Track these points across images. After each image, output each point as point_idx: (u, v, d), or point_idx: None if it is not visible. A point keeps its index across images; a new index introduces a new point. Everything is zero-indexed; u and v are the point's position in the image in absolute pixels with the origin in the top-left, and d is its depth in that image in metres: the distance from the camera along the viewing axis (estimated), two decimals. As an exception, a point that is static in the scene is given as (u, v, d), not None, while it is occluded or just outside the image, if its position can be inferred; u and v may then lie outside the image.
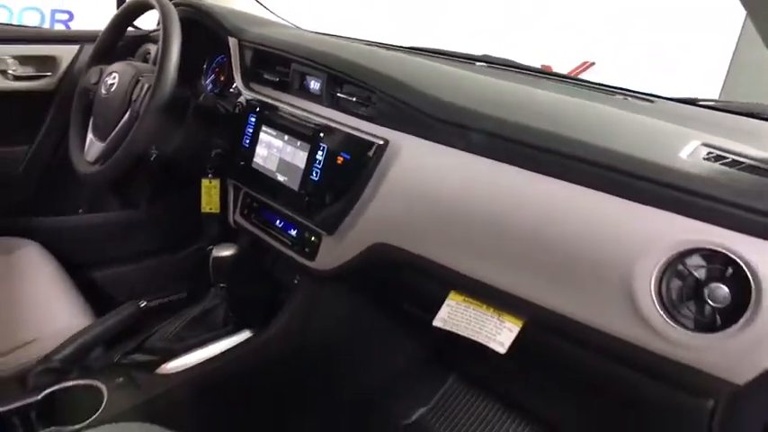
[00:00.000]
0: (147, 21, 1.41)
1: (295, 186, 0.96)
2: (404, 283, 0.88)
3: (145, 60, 1.46)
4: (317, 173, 0.92)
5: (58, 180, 1.52)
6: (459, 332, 0.71)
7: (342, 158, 0.88)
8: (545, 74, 1.21)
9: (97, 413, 0.88)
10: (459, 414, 1.24)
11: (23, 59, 1.43)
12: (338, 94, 0.96)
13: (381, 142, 0.83)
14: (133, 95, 1.10)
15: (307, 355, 1.06)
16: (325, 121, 0.94)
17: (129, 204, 1.66)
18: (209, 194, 1.20)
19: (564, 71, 3.23)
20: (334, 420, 1.14)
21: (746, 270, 0.52)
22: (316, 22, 1.60)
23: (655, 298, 0.57)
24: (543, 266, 0.65)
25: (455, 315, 0.73)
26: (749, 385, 0.52)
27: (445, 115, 0.78)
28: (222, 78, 1.31)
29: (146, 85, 1.09)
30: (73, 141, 1.25)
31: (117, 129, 1.11)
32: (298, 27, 1.53)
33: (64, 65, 1.47)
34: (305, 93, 1.03)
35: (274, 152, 1.01)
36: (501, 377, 1.16)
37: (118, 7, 1.46)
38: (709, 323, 0.54)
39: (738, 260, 0.53)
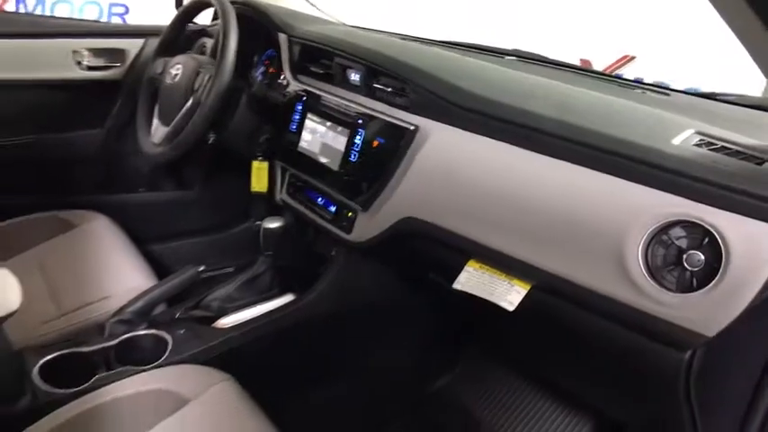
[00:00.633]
0: (203, 17, 1.55)
1: (335, 167, 1.07)
2: (428, 254, 0.98)
3: (202, 53, 1.59)
4: (354, 155, 1.03)
5: (124, 161, 1.68)
6: (475, 293, 0.81)
7: (377, 142, 0.99)
8: (570, 67, 1.29)
9: (163, 357, 1.02)
10: (479, 382, 1.34)
11: (96, 52, 1.58)
12: (375, 85, 1.06)
13: (412, 128, 0.93)
14: (195, 85, 1.23)
15: (341, 318, 1.19)
16: (363, 110, 1.05)
17: (184, 185, 1.81)
18: (259, 175, 1.32)
19: (603, 65, 3.25)
20: (362, 380, 1.27)
21: (719, 239, 0.61)
22: (359, 18, 1.71)
23: (642, 264, 0.66)
24: (548, 237, 0.75)
25: (472, 279, 0.83)
26: (717, 337, 0.61)
27: (468, 104, 0.88)
28: (272, 70, 1.42)
29: (206, 76, 1.22)
30: (140, 125, 1.40)
31: (180, 114, 1.24)
32: (343, 23, 1.64)
33: (131, 56, 1.61)
34: (346, 84, 1.13)
35: (318, 137, 1.12)
36: (516, 346, 1.26)
37: (177, 4, 1.61)
38: (687, 285, 0.63)
39: (713, 231, 0.61)
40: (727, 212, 0.61)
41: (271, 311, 1.14)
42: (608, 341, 0.75)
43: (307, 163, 1.15)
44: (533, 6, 3.48)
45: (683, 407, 0.73)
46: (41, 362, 0.98)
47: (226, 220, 1.82)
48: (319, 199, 1.17)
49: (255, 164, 1.31)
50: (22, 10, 3.66)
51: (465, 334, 1.41)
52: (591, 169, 0.71)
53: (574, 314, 0.76)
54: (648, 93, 1.08)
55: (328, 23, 1.51)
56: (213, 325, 1.12)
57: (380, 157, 0.98)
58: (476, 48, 1.42)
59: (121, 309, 1.10)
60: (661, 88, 1.11)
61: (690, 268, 0.63)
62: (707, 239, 0.62)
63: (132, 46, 1.62)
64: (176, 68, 1.29)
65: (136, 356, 1.03)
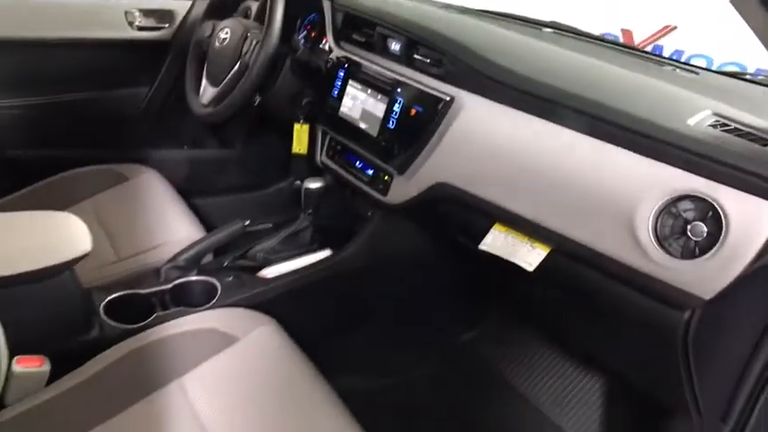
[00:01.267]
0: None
1: (374, 133, 1.14)
2: (457, 216, 1.06)
3: (245, 15, 1.66)
4: (393, 122, 1.11)
5: (171, 118, 1.77)
6: (499, 254, 0.89)
7: (414, 111, 1.06)
8: (604, 41, 1.32)
9: (213, 301, 1.13)
10: (499, 339, 1.44)
11: (147, 12, 1.65)
12: (414, 56, 1.11)
13: (448, 99, 1.00)
14: (243, 49, 1.30)
15: (375, 273, 1.29)
16: (402, 78, 1.11)
17: (226, 144, 1.90)
18: (300, 137, 1.39)
19: (644, 36, 3.20)
20: (391, 329, 1.38)
21: (721, 213, 0.67)
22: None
23: (651, 232, 0.73)
24: (568, 205, 0.82)
25: (497, 241, 0.91)
26: (713, 300, 0.69)
27: (500, 77, 0.93)
28: (314, 35, 1.46)
29: (254, 41, 1.29)
30: (189, 86, 1.48)
31: (228, 77, 1.32)
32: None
33: (179, 18, 1.69)
34: (386, 53, 1.19)
35: (358, 103, 1.20)
36: (533, 308, 1.35)
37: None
38: (690, 253, 0.70)
39: (716, 205, 0.68)
40: (730, 189, 0.67)
41: (310, 264, 1.25)
42: (617, 301, 0.83)
43: (347, 128, 1.22)
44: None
45: (681, 363, 0.81)
46: (106, 300, 1.10)
47: (264, 179, 1.91)
48: (357, 162, 1.25)
49: (297, 126, 1.39)
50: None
51: (487, 295, 1.51)
52: (611, 144, 0.78)
53: (587, 276, 0.84)
54: (678, 71, 1.11)
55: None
56: (258, 274, 1.22)
57: (417, 125, 1.05)
58: (515, 18, 1.46)
59: (175, 256, 1.22)
60: (691, 66, 1.14)
61: (693, 238, 0.70)
62: (710, 213, 0.69)
63: (180, 7, 1.69)
64: (225, 32, 1.37)
65: (188, 299, 1.14)
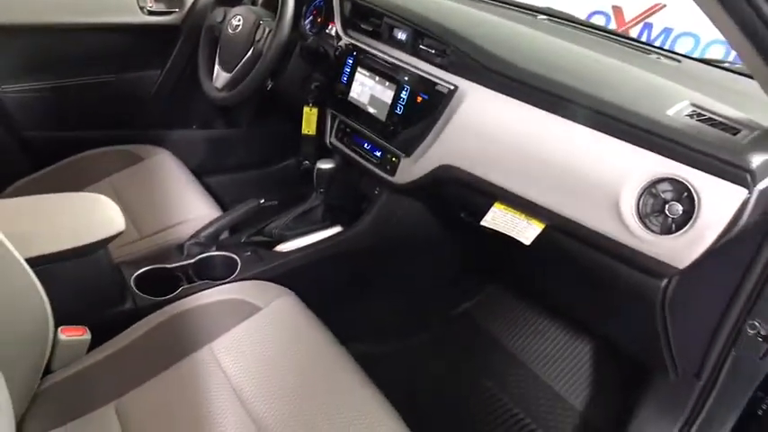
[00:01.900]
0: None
1: (382, 117, 1.23)
2: (460, 195, 1.15)
3: (254, 2, 1.72)
4: (400, 108, 1.19)
5: (182, 99, 1.83)
6: (499, 229, 0.99)
7: (420, 98, 1.15)
8: (595, 28, 1.40)
9: (234, 274, 1.22)
10: (496, 308, 1.56)
11: (157, -3, 1.72)
12: (420, 46, 1.19)
13: (452, 87, 1.09)
14: (256, 36, 1.37)
15: (382, 248, 1.39)
16: (409, 67, 1.19)
17: (232, 124, 1.97)
18: (309, 120, 1.47)
19: (635, 13, 3.26)
20: (397, 299, 1.48)
21: (694, 194, 0.77)
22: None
23: (634, 211, 0.83)
24: (561, 185, 0.91)
25: (497, 218, 1.01)
26: (685, 269, 0.79)
27: (499, 68, 1.02)
28: (319, 20, 1.52)
29: (266, 29, 1.36)
30: (202, 70, 1.54)
31: (242, 62, 1.39)
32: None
33: (189, 2, 1.73)
34: (393, 42, 1.26)
35: (366, 89, 1.28)
36: (528, 279, 1.46)
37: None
38: (667, 228, 0.80)
39: (691, 187, 0.78)
40: (703, 173, 0.77)
41: (322, 240, 1.34)
42: (603, 272, 0.93)
43: (356, 112, 1.31)
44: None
45: (660, 326, 0.92)
46: (135, 274, 1.18)
47: (270, 157, 1.99)
48: (366, 144, 1.33)
49: (306, 109, 1.46)
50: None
51: (484, 268, 1.62)
52: (601, 132, 0.87)
53: (578, 250, 0.94)
54: (662, 58, 1.20)
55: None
56: (274, 249, 1.32)
57: (423, 111, 1.14)
58: (510, 4, 1.53)
59: (197, 233, 1.30)
60: (674, 53, 1.23)
61: (671, 216, 0.80)
62: (686, 194, 0.78)
63: (189, -8, 1.75)
64: (237, 20, 1.43)
65: (211, 273, 1.23)
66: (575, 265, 1.02)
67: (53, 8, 1.58)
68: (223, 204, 1.50)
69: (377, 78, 1.25)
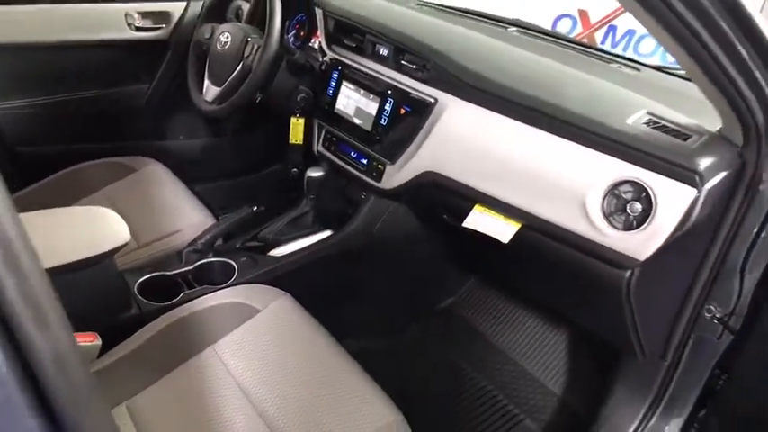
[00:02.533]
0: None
1: (368, 128, 1.31)
2: (442, 199, 1.24)
3: (237, 15, 1.77)
4: (384, 119, 1.27)
5: (170, 112, 1.89)
6: (479, 230, 1.08)
7: (403, 110, 1.23)
8: (564, 40, 1.50)
9: (232, 279, 1.29)
10: (478, 303, 1.66)
11: (144, 14, 1.75)
12: (402, 61, 1.27)
13: (433, 100, 1.17)
14: (244, 53, 1.43)
15: (370, 250, 1.47)
16: (392, 81, 1.27)
17: (217, 133, 2.03)
18: (296, 129, 1.54)
19: (600, 15, 3.39)
20: (386, 297, 1.57)
21: (651, 195, 0.87)
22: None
23: (599, 210, 0.92)
24: (534, 188, 1.01)
25: (477, 219, 1.10)
26: (646, 261, 0.89)
27: (474, 82, 1.11)
28: (302, 34, 1.59)
29: (255, 46, 1.42)
30: (192, 84, 1.60)
31: (231, 77, 1.45)
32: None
33: (175, 18, 1.79)
34: (376, 56, 1.34)
35: (352, 102, 1.36)
36: (506, 275, 1.56)
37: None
38: (629, 225, 0.90)
39: (648, 189, 0.87)
40: (659, 175, 0.86)
41: (314, 244, 1.43)
42: (573, 265, 1.03)
43: (343, 123, 1.38)
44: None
45: (626, 312, 1.02)
46: (138, 281, 1.24)
47: (256, 164, 2.04)
48: (352, 152, 1.41)
49: (294, 119, 1.53)
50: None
51: (466, 266, 1.71)
52: (568, 140, 0.96)
53: (550, 246, 1.04)
54: (623, 68, 1.30)
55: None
56: (268, 254, 1.39)
57: (406, 122, 1.22)
58: (483, 16, 1.62)
59: (194, 240, 1.36)
60: (634, 62, 1.33)
61: (631, 214, 0.89)
62: (644, 194, 0.88)
63: (175, 9, 1.79)
64: (225, 36, 1.49)
65: (210, 278, 1.29)
66: (549, 260, 1.12)
67: (43, 27, 1.63)
68: (213, 211, 1.55)
69: (362, 91, 1.33)
